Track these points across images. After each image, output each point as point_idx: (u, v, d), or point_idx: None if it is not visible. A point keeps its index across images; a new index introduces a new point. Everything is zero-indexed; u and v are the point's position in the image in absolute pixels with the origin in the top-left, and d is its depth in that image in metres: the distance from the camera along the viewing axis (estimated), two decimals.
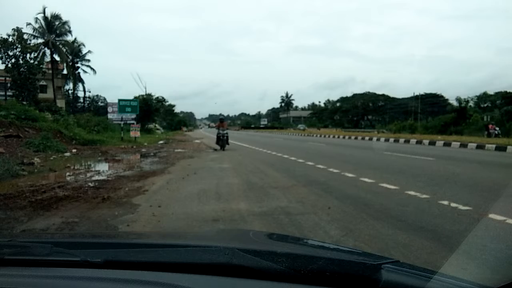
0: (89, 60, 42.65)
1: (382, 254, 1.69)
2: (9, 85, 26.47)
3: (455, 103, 51.37)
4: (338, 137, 30.40)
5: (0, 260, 1.01)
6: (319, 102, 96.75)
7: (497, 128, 24.80)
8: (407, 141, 20.74)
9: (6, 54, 23.80)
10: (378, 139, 24.08)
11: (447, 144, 17.50)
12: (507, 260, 2.98)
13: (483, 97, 56.67)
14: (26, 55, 24.67)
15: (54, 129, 16.53)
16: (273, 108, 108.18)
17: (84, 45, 41.24)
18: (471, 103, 52.89)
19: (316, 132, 42.09)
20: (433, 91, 66.84)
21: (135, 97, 32.11)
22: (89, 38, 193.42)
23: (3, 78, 26.78)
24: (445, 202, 4.89)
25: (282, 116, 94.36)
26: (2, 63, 24.31)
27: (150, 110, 34.44)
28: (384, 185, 6.31)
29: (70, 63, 39.29)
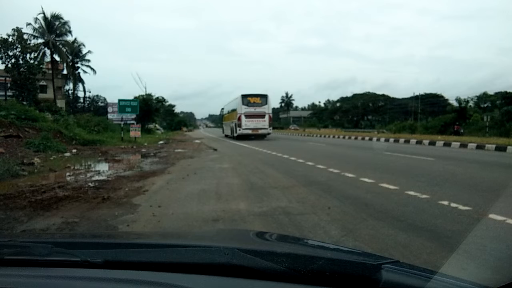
0: (89, 60, 42.74)
1: (382, 254, 1.68)
2: (9, 85, 26.48)
3: (455, 103, 51.34)
4: (338, 137, 30.38)
5: (0, 260, 1.01)
6: (319, 102, 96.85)
7: (461, 130, 32.26)
8: (407, 141, 20.72)
9: (6, 54, 23.84)
10: (378, 139, 24.02)
11: (447, 144, 17.49)
12: (507, 260, 2.98)
13: (483, 97, 56.61)
14: (26, 55, 24.71)
15: (54, 129, 16.53)
16: (273, 108, 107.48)
17: (84, 45, 41.36)
18: (471, 103, 52.77)
19: (316, 132, 42.09)
20: (434, 91, 66.98)
21: (135, 97, 32.14)
22: (89, 38, 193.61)
23: (3, 78, 26.81)
24: (445, 202, 4.89)
25: (282, 116, 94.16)
26: (2, 63, 24.38)
27: (150, 110, 34.41)
28: (384, 185, 6.31)
29: (70, 63, 39.32)
